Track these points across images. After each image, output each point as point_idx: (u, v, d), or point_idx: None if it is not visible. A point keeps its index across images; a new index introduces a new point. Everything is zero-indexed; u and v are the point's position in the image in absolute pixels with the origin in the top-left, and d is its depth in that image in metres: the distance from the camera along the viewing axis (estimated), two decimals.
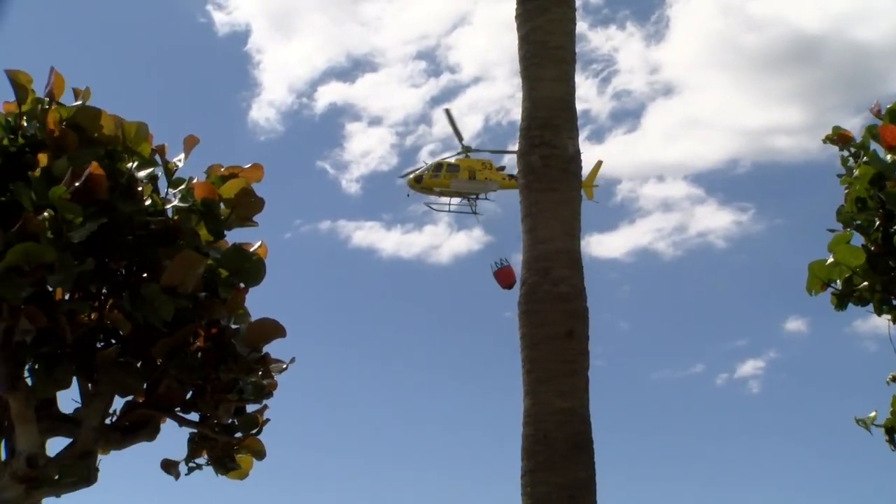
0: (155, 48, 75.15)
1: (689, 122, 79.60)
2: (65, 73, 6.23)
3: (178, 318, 6.07)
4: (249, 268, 6.40)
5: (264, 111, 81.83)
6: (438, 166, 47.05)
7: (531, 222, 9.14)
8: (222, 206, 6.37)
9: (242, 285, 6.52)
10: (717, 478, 50.29)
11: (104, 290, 6.35)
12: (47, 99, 6.12)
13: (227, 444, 6.73)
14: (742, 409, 60.64)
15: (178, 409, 6.61)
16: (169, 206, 6.31)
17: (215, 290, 6.35)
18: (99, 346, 6.43)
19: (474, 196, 47.64)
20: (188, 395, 6.59)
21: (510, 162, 46.60)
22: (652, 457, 55.17)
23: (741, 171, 75.38)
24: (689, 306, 70.77)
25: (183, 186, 6.36)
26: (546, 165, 9.10)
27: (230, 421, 6.67)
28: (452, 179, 46.46)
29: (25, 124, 6.11)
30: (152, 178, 6.36)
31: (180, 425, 6.68)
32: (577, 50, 9.40)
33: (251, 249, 6.51)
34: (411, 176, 47.15)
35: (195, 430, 6.72)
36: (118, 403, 6.57)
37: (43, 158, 5.96)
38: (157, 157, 6.34)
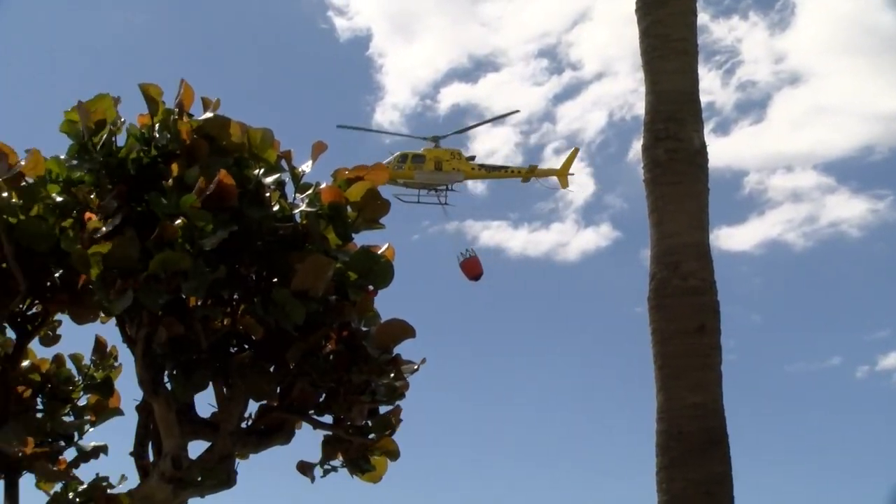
0: (278, 56, 76.54)
1: (818, 110, 77.50)
2: (190, 83, 6.37)
3: (309, 321, 6.13)
4: (378, 270, 6.44)
5: (388, 114, 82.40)
6: (403, 157, 45.88)
7: (658, 216, 9.05)
8: (349, 209, 6.41)
9: (371, 287, 6.55)
10: (858, 473, 48.85)
11: (236, 296, 6.45)
12: (177, 110, 6.25)
13: (361, 446, 6.78)
14: (886, 402, 58.80)
15: (311, 411, 6.69)
16: (297, 211, 6.36)
17: (345, 293, 6.40)
18: (233, 351, 6.55)
19: (443, 187, 46.52)
20: (321, 398, 6.66)
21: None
22: (789, 451, 53.97)
23: (877, 157, 72.95)
24: (823, 298, 69.09)
25: (310, 191, 6.41)
26: (671, 159, 9.01)
27: (363, 423, 6.70)
28: (417, 171, 45.37)
29: (157, 135, 6.25)
30: (280, 184, 6.44)
31: (314, 428, 6.75)
32: (699, 42, 9.27)
33: (379, 252, 6.53)
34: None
35: (329, 433, 6.78)
36: (253, 407, 6.70)
37: (175, 168, 6.09)
38: (284, 163, 6.41)
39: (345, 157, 6.91)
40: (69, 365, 7.42)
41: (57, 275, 6.68)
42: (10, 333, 7.07)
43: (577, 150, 49.39)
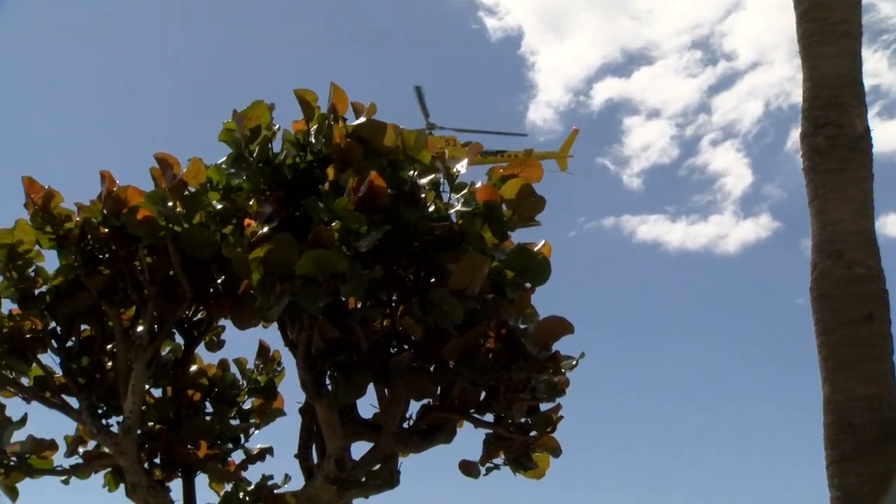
0: (430, 57, 77.18)
1: None
2: (343, 86, 6.43)
3: (467, 320, 6.10)
4: (535, 267, 6.38)
5: (542, 112, 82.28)
6: None
7: (819, 205, 8.81)
8: (504, 207, 6.37)
9: (528, 285, 6.51)
10: None
11: (394, 297, 6.48)
12: (331, 115, 6.31)
13: (522, 444, 6.75)
14: None
15: (472, 410, 6.68)
16: (452, 210, 6.36)
17: (502, 291, 6.36)
18: (392, 351, 6.58)
19: None
20: (481, 397, 6.65)
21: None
22: None
23: None
24: None
25: (465, 191, 6.40)
26: (832, 146, 8.76)
27: (524, 420, 6.68)
28: None
29: (313, 140, 6.33)
30: (435, 185, 6.45)
31: (475, 427, 6.75)
32: (863, 22, 8.95)
33: (535, 249, 6.48)
34: None
35: (490, 431, 6.77)
36: (414, 407, 6.73)
37: (330, 172, 6.14)
38: (438, 164, 6.41)
39: None
40: (233, 369, 7.62)
41: (219, 281, 6.86)
42: (179, 339, 7.31)
43: (576, 131, 48.92)
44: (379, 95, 6.51)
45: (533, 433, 6.73)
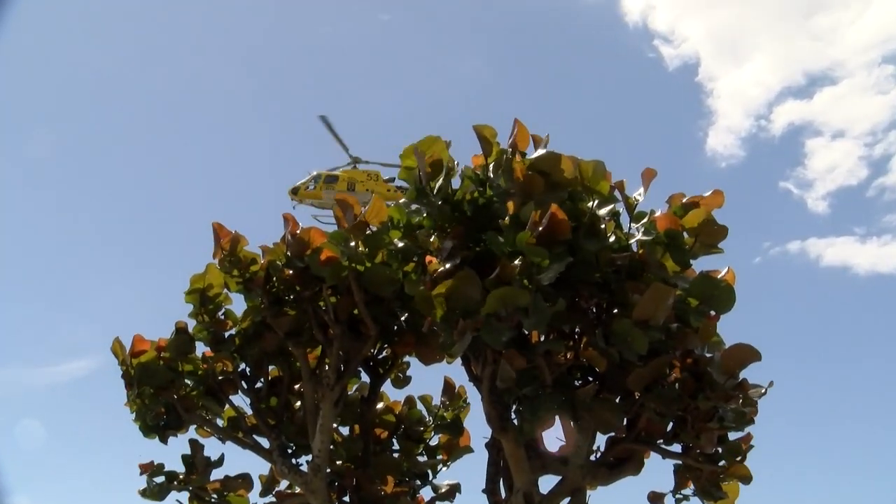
0: (607, 88, 76.88)
1: None
2: (519, 119, 6.46)
3: (651, 350, 6.04)
4: (719, 295, 6.28)
5: (722, 138, 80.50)
6: (317, 177, 45.57)
7: None
8: (686, 235, 6.30)
9: (713, 313, 6.41)
10: None
11: (577, 329, 6.47)
12: (510, 149, 6.35)
13: (712, 474, 6.62)
14: None
15: (660, 441, 6.60)
16: (633, 240, 6.32)
17: (686, 320, 6.28)
18: (577, 384, 6.55)
19: None
20: (669, 427, 6.56)
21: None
22: None
23: None
24: None
25: (645, 220, 6.35)
26: None
27: (713, 450, 6.55)
28: (326, 191, 44.57)
29: (492, 175, 6.37)
30: (614, 215, 6.42)
31: (663, 457, 6.66)
32: None
33: (719, 276, 6.38)
34: (292, 186, 45.57)
35: (679, 462, 6.67)
36: (601, 439, 6.69)
37: (511, 206, 6.17)
38: (617, 193, 6.38)
39: (682, 186, 6.77)
40: (419, 406, 7.71)
41: (403, 318, 6.96)
42: (365, 377, 7.43)
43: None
44: (554, 127, 6.51)
45: (722, 462, 6.60)
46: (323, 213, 44.17)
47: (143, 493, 7.31)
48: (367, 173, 46.82)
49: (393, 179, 46.55)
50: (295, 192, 45.00)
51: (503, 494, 6.79)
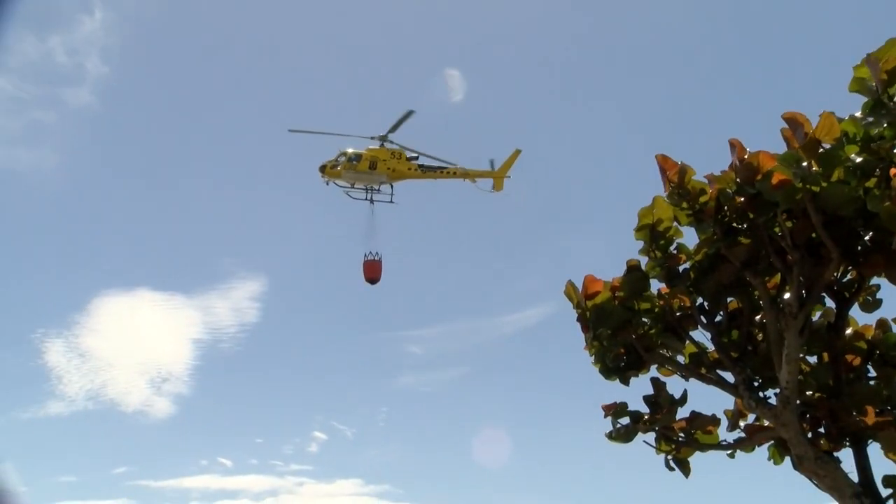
0: None
1: None
2: None
3: None
4: None
5: None
6: (342, 155, 45.75)
7: None
8: None
9: None
10: None
11: None
12: None
13: None
14: None
15: None
16: None
17: None
18: None
19: (376, 187, 46.12)
20: None
21: None
22: None
23: None
24: None
25: None
26: None
27: None
28: (347, 170, 45.24)
29: None
30: None
31: None
32: None
33: None
34: (321, 164, 45.85)
35: None
36: None
37: None
38: None
39: None
40: (895, 329, 7.14)
41: (867, 238, 6.46)
42: (829, 303, 7.01)
43: (518, 152, 48.08)
44: None
45: None
46: (353, 190, 47.20)
47: (611, 436, 7.31)
48: (392, 152, 47.22)
49: (417, 157, 47.53)
50: (322, 169, 46.39)
51: None
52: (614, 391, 7.38)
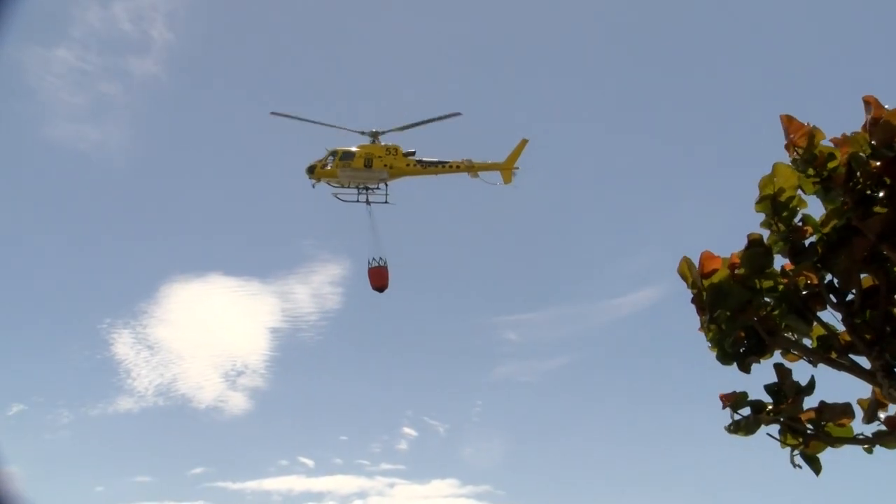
0: None
1: None
2: None
3: None
4: None
5: None
6: (334, 154, 44.47)
7: None
8: None
9: None
10: None
11: None
12: None
13: None
14: None
15: None
16: None
17: None
18: None
19: (374, 185, 44.32)
20: None
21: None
22: None
23: None
24: None
25: None
26: None
27: None
28: (342, 168, 43.87)
29: None
30: None
31: None
32: None
33: None
34: (309, 165, 44.37)
35: None
36: None
37: None
38: None
39: None
40: None
41: None
42: None
43: (525, 142, 46.55)
44: None
45: None
46: (343, 191, 45.42)
47: (730, 429, 6.65)
48: (386, 147, 45.86)
49: (414, 153, 45.83)
50: (311, 170, 44.86)
51: None
52: (734, 379, 6.71)
